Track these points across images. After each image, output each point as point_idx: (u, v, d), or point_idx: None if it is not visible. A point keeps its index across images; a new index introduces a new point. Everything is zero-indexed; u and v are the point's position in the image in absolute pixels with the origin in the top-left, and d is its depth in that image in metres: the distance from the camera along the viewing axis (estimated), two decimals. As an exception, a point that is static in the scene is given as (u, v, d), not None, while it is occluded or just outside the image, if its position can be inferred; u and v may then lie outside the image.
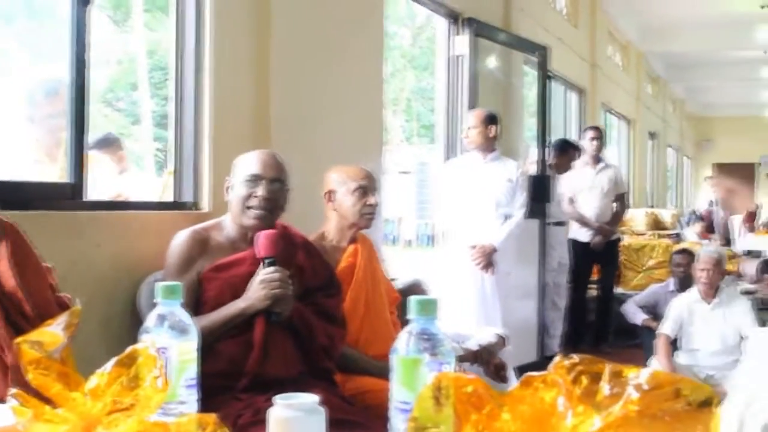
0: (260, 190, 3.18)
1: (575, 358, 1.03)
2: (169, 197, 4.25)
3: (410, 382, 1.25)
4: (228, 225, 3.27)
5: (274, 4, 4.47)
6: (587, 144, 8.61)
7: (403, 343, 1.30)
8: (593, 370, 1.02)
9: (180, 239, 3.20)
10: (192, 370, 1.52)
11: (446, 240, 6.47)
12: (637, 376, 1.00)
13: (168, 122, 4.36)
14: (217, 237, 3.24)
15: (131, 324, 3.45)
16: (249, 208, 3.20)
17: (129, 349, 1.32)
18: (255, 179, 3.20)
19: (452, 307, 5.88)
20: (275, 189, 3.22)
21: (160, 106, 16.59)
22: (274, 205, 3.23)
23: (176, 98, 4.15)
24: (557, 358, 0.99)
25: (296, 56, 4.70)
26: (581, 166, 8.68)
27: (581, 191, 8.54)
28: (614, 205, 8.70)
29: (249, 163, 3.25)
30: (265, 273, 3.03)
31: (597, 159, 8.62)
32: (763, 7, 13.75)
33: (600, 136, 8.69)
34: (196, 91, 4.11)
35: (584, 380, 1.01)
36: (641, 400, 0.97)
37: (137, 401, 1.26)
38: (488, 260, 6.08)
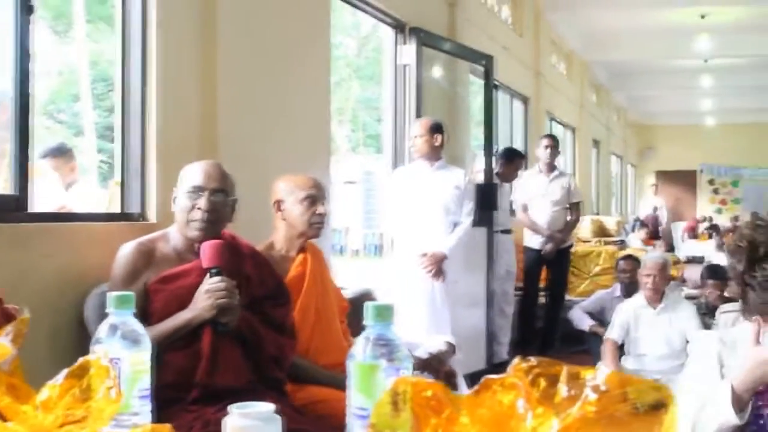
0: (202, 202, 3.16)
1: (533, 360, 1.03)
2: (115, 208, 4.20)
3: (367, 388, 1.24)
4: (174, 236, 3.25)
5: (221, 14, 4.44)
6: (541, 152, 8.66)
7: (360, 349, 1.29)
8: (551, 372, 1.02)
9: (125, 251, 3.17)
10: (145, 380, 1.50)
11: (395, 248, 6.47)
12: (594, 378, 1.01)
13: (113, 133, 4.31)
14: (163, 248, 3.21)
15: (78, 336, 3.40)
16: (192, 220, 3.18)
17: (81, 360, 1.29)
18: (197, 191, 3.18)
19: (402, 316, 5.88)
20: (218, 200, 3.20)
21: (103, 118, 16.41)
22: (216, 216, 3.20)
23: (122, 109, 4.10)
24: (515, 361, 1.00)
25: (243, 66, 4.68)
26: (535, 173, 8.74)
27: (534, 199, 8.59)
28: (568, 213, 8.73)
29: (192, 175, 3.23)
30: (210, 283, 3.01)
31: (551, 167, 8.68)
32: (702, 17, 14.00)
33: (554, 144, 8.75)
34: (142, 102, 4.06)
35: (542, 382, 1.01)
36: (599, 401, 0.98)
37: (90, 413, 1.24)
38: (438, 268, 6.10)
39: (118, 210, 4.14)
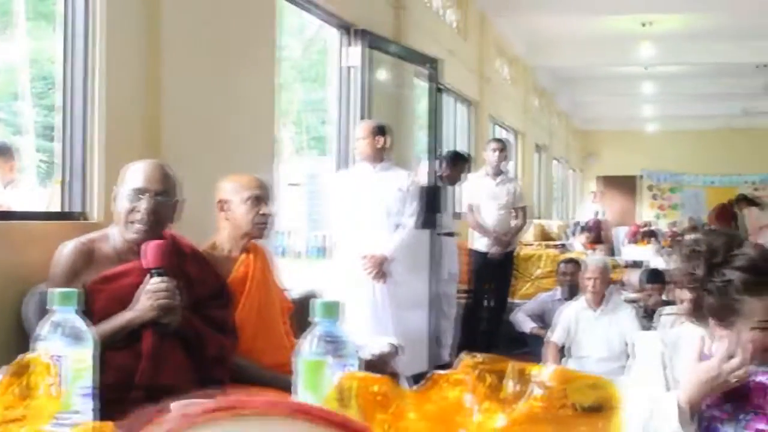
0: (143, 205, 3.14)
1: (480, 357, 1.03)
2: (56, 207, 4.13)
3: (314, 384, 1.24)
4: (114, 236, 3.21)
5: (166, 14, 4.39)
6: (490, 155, 8.68)
7: (307, 346, 1.29)
8: (497, 369, 1.03)
9: (64, 251, 3.12)
10: (87, 378, 1.48)
11: (339, 250, 6.45)
12: (540, 374, 1.01)
13: (53, 133, 4.24)
14: (104, 248, 3.17)
15: (16, 336, 3.35)
16: (131, 222, 3.14)
17: (21, 357, 1.27)
18: (138, 193, 3.15)
19: (346, 317, 5.88)
20: (159, 202, 3.17)
21: (43, 116, 16.20)
22: (156, 219, 3.17)
23: (64, 107, 4.04)
24: (463, 356, 1.00)
25: (188, 66, 4.64)
26: (482, 176, 8.76)
27: (481, 202, 8.61)
28: (513, 217, 8.75)
29: (133, 176, 3.20)
30: (151, 284, 2.98)
31: (498, 171, 8.70)
32: (644, 24, 14.18)
33: (503, 148, 8.78)
34: (85, 100, 4.01)
35: (489, 378, 1.01)
36: (544, 396, 0.98)
37: (30, 411, 1.22)
38: (380, 270, 6.10)
39: (58, 209, 4.07)
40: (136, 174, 3.19)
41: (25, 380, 1.23)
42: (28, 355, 1.27)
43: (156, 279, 2.99)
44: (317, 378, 1.24)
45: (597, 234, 18.20)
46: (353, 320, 5.79)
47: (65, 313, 1.47)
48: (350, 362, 1.26)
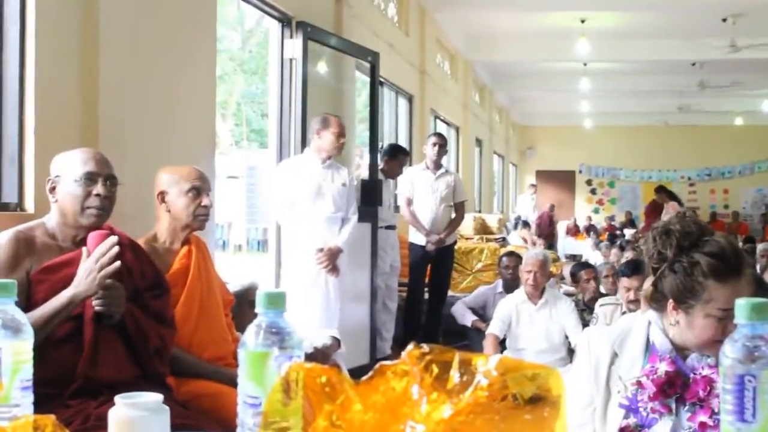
0: (98, 189, 3.09)
1: (426, 347, 1.03)
2: (-10, 198, 4.05)
3: (258, 376, 1.23)
4: (53, 225, 3.14)
5: (103, 1, 4.32)
6: (429, 149, 8.69)
7: (252, 337, 1.28)
8: (443, 359, 1.03)
9: (4, 239, 3.05)
10: (27, 371, 1.45)
11: (286, 242, 6.40)
12: (486, 363, 1.02)
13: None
14: (43, 237, 3.11)
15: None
16: (88, 207, 3.09)
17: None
18: (91, 177, 3.10)
19: (296, 311, 5.87)
20: (112, 187, 3.14)
21: (-23, 107, 15.91)
22: (110, 203, 3.14)
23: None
24: (410, 347, 1.00)
25: (126, 55, 4.58)
26: (421, 170, 8.77)
27: (420, 195, 8.62)
28: (452, 211, 8.78)
29: (80, 162, 3.13)
30: (89, 261, 2.93)
31: (437, 165, 8.72)
32: (582, 21, 14.34)
33: (443, 143, 8.78)
34: (20, 90, 3.94)
35: (435, 368, 1.01)
36: (490, 386, 0.99)
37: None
38: (334, 262, 6.11)
39: (-7, 200, 3.99)
40: (86, 159, 3.13)
41: (-37, 373, 1.20)
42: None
43: (93, 257, 2.94)
44: (262, 369, 1.23)
45: (550, 231, 18.37)
46: (305, 314, 5.83)
47: (3, 304, 1.44)
48: (296, 353, 1.26)
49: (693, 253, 2.30)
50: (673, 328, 2.35)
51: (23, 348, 1.43)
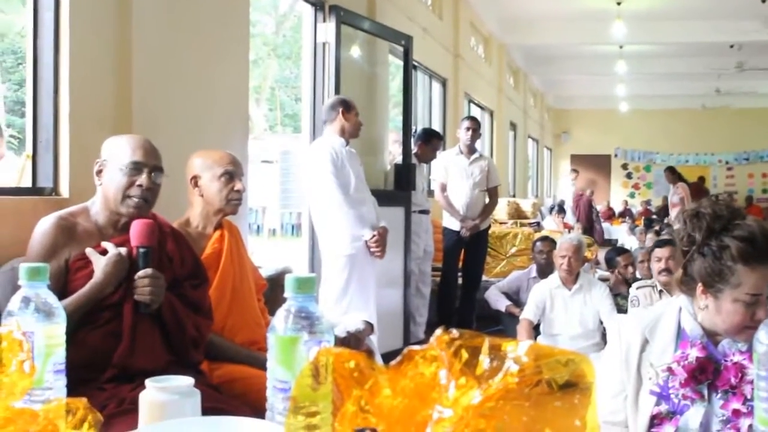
0: (142, 179, 3.08)
1: (455, 332, 1.03)
2: (27, 182, 4.08)
3: (288, 360, 1.23)
4: (97, 211, 3.14)
5: (137, -15, 4.35)
6: (462, 134, 8.66)
7: (281, 322, 1.28)
8: (473, 344, 1.02)
9: (44, 225, 3.05)
10: (60, 354, 1.46)
11: (334, 228, 6.14)
12: (516, 349, 1.01)
13: (24, 108, 4.19)
14: (84, 223, 3.11)
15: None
16: (129, 196, 3.08)
17: (-8, 332, 1.25)
18: (137, 167, 3.09)
19: (336, 298, 5.88)
20: (157, 179, 3.14)
21: (13, 92, 16.04)
22: (153, 195, 3.14)
23: (33, 81, 3.99)
24: (438, 332, 0.99)
25: (159, 40, 4.60)
26: (454, 154, 8.74)
27: (454, 180, 8.60)
28: (486, 196, 8.76)
29: (129, 150, 3.12)
30: (140, 273, 2.95)
31: (471, 149, 8.69)
32: (619, 3, 14.21)
33: (476, 127, 8.75)
34: (54, 74, 3.96)
35: (464, 354, 1.01)
36: (520, 372, 0.98)
37: (1, 387, 1.20)
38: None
39: (29, 184, 4.02)
40: (134, 148, 3.12)
41: (-4, 356, 1.21)
42: (-1, 330, 1.25)
43: (146, 271, 2.95)
44: (291, 354, 1.23)
45: (589, 221, 18.22)
46: (365, 299, 5.79)
47: (36, 288, 1.44)
48: (326, 338, 1.25)
49: (723, 237, 2.28)
50: (703, 313, 2.33)
51: (56, 332, 1.44)
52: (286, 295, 1.31)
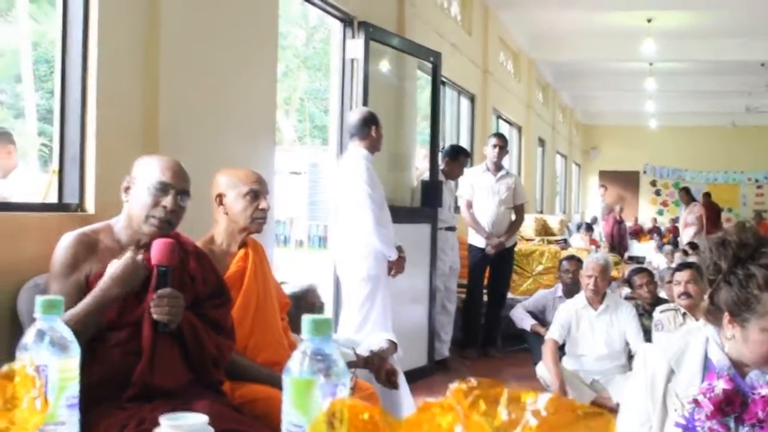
0: (168, 201, 3.07)
1: (473, 381, 1.00)
2: (53, 198, 4.08)
3: (303, 404, 1.21)
4: (120, 228, 3.15)
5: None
6: (489, 150, 8.64)
7: (297, 364, 1.25)
8: (491, 395, 1.00)
9: (67, 241, 3.06)
10: (74, 388, 1.44)
11: (361, 248, 6.09)
12: (535, 402, 0.98)
13: (53, 118, 4.19)
14: (106, 240, 3.11)
15: (11, 329, 3.32)
16: (153, 216, 3.08)
17: (5, 368, 1.24)
18: (164, 188, 3.09)
19: (355, 316, 5.87)
20: (183, 202, 3.13)
21: (46, 100, 16.18)
22: (178, 217, 3.13)
23: (61, 96, 4.00)
24: (455, 384, 0.97)
25: (187, 53, 4.60)
26: (481, 171, 8.72)
27: (480, 197, 8.58)
28: (512, 213, 8.72)
29: (158, 170, 3.12)
30: (160, 293, 2.93)
31: (498, 166, 8.66)
32: (649, 20, 14.14)
33: (503, 144, 8.72)
34: (82, 88, 3.96)
35: (482, 405, 0.98)
36: (540, 427, 0.95)
37: (13, 423, 1.19)
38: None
39: (55, 199, 4.03)
40: (163, 169, 3.11)
41: (10, 391, 1.20)
42: (12, 365, 1.24)
43: (164, 291, 2.94)
44: (307, 397, 1.21)
45: (621, 240, 18.06)
46: (383, 316, 5.78)
47: (50, 321, 1.43)
48: (342, 381, 1.23)
49: (749, 265, 2.24)
50: (730, 343, 2.30)
51: (70, 365, 1.42)
52: (302, 336, 1.29)
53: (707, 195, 20.49)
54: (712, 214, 17.39)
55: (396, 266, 6.08)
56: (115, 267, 2.95)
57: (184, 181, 3.15)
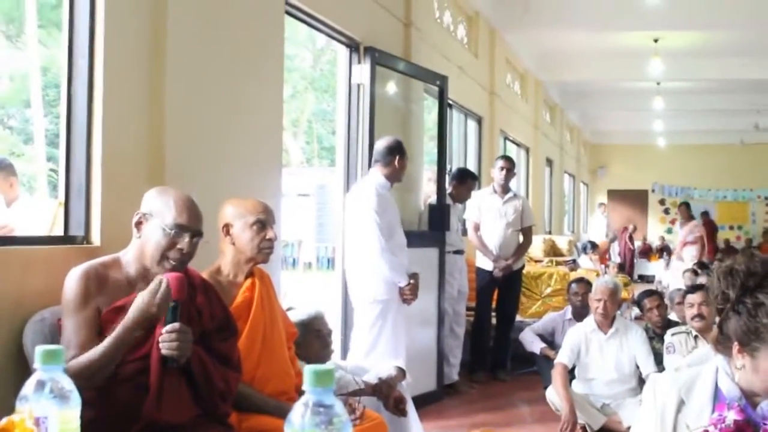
0: (184, 244, 3.06)
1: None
2: (59, 229, 4.06)
3: (306, 456, 1.19)
4: (128, 261, 3.12)
5: (171, 24, 4.32)
6: (497, 173, 8.63)
7: (298, 416, 1.24)
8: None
9: (76, 274, 3.04)
10: (74, 438, 1.43)
11: (372, 276, 6.09)
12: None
13: (59, 147, 4.17)
14: (115, 274, 3.08)
15: (17, 363, 3.29)
16: (167, 258, 3.06)
17: (4, 420, 1.23)
18: (181, 230, 3.07)
19: (367, 343, 5.87)
20: (196, 243, 3.12)
21: (54, 125, 16.22)
22: (190, 258, 3.13)
23: (67, 123, 3.95)
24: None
25: (193, 79, 4.58)
26: (488, 194, 8.71)
27: (487, 219, 8.56)
28: (519, 235, 8.71)
29: (174, 210, 3.09)
30: (168, 328, 2.91)
31: (505, 189, 8.65)
32: (656, 40, 14.15)
33: (510, 166, 8.71)
34: (88, 120, 3.93)
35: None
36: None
37: (12, 476, 1.17)
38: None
39: (61, 231, 4.00)
40: (180, 209, 3.09)
41: (9, 443, 1.19)
42: (11, 418, 1.22)
43: (174, 325, 2.92)
44: (309, 450, 1.19)
45: (630, 261, 17.96)
46: (395, 342, 5.79)
47: (51, 372, 1.42)
48: (344, 432, 1.22)
49: (758, 294, 2.22)
50: (740, 373, 2.27)
51: (70, 416, 1.40)
52: (304, 387, 1.27)
53: (706, 213, 20.47)
54: (711, 232, 17.35)
55: (406, 293, 6.07)
56: (139, 304, 2.91)
57: (199, 221, 3.14)
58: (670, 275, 12.28)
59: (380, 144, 6.32)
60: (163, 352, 2.91)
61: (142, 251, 3.10)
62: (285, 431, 1.24)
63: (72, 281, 3.03)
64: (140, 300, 2.89)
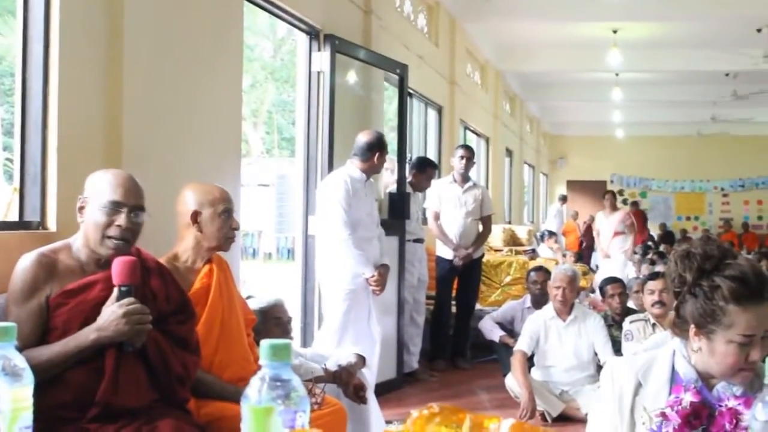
0: (121, 220, 3.01)
1: (435, 407, 0.98)
2: (14, 215, 4.00)
3: (262, 431, 1.18)
4: (78, 247, 3.08)
5: (128, 10, 4.27)
6: (456, 162, 8.63)
7: (255, 391, 1.23)
8: (453, 420, 0.97)
9: (25, 263, 3.00)
10: (26, 418, 1.40)
11: (335, 263, 6.17)
12: (498, 428, 0.96)
13: (14, 135, 4.11)
14: (66, 260, 3.04)
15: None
16: (108, 237, 3.02)
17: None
18: (116, 207, 3.02)
19: (336, 332, 5.88)
20: (137, 219, 3.07)
21: (10, 113, 16.02)
22: (133, 235, 3.07)
23: (22, 110, 3.91)
24: (415, 413, 0.95)
25: (151, 66, 4.54)
26: (448, 183, 8.71)
27: (447, 208, 8.57)
28: (479, 224, 8.73)
29: (109, 188, 3.05)
30: (125, 304, 2.87)
31: (465, 178, 8.66)
32: (614, 31, 14.24)
33: (470, 155, 8.72)
34: (43, 106, 3.88)
35: (444, 431, 0.96)
36: (502, 453, 0.93)
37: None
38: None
39: (16, 217, 3.95)
40: (113, 187, 3.05)
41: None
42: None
43: (128, 299, 2.88)
44: (266, 425, 1.18)
45: (590, 244, 17.97)
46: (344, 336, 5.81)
47: (3, 349, 1.39)
48: (301, 408, 1.21)
49: (714, 277, 2.25)
50: (696, 355, 2.30)
51: (23, 394, 1.38)
52: (260, 362, 1.26)
53: (635, 204, 20.67)
54: (641, 221, 17.54)
55: (374, 284, 6.10)
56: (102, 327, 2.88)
57: (136, 196, 3.09)
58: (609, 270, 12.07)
59: (361, 139, 6.34)
60: (132, 329, 2.88)
61: (86, 235, 3.06)
62: (242, 406, 1.23)
63: (20, 270, 2.99)
64: (106, 318, 2.88)
